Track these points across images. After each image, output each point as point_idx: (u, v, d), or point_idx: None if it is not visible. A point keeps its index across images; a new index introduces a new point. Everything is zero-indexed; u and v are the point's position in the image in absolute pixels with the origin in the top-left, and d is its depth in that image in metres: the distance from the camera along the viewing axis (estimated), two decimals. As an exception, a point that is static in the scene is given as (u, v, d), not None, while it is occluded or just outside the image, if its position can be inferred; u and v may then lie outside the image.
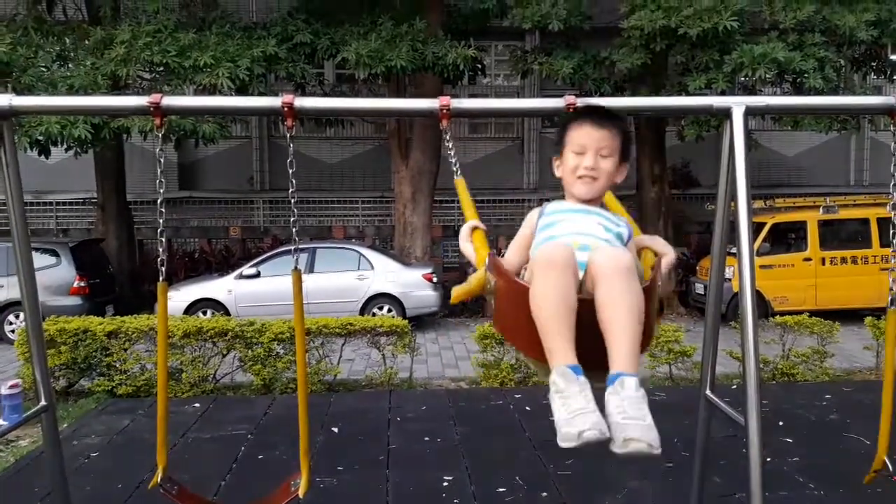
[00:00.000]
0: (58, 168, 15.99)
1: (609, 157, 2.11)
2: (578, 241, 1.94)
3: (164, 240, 2.75)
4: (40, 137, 9.55)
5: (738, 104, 2.83)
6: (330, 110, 2.71)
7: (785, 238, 12.86)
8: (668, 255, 2.19)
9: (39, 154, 10.67)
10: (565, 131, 2.15)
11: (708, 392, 3.17)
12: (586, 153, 2.08)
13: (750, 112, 2.83)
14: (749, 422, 2.63)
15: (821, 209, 12.39)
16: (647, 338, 1.86)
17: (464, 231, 2.23)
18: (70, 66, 10.48)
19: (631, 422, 1.68)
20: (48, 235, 15.93)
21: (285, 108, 2.59)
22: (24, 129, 9.43)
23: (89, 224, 16.18)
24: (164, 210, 2.78)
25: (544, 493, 4.59)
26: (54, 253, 11.54)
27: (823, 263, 12.30)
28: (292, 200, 2.72)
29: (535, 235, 2.11)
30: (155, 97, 2.61)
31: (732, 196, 2.81)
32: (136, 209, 15.80)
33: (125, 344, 7.26)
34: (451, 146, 2.60)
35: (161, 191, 2.72)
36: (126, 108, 2.72)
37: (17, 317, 10.95)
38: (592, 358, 1.75)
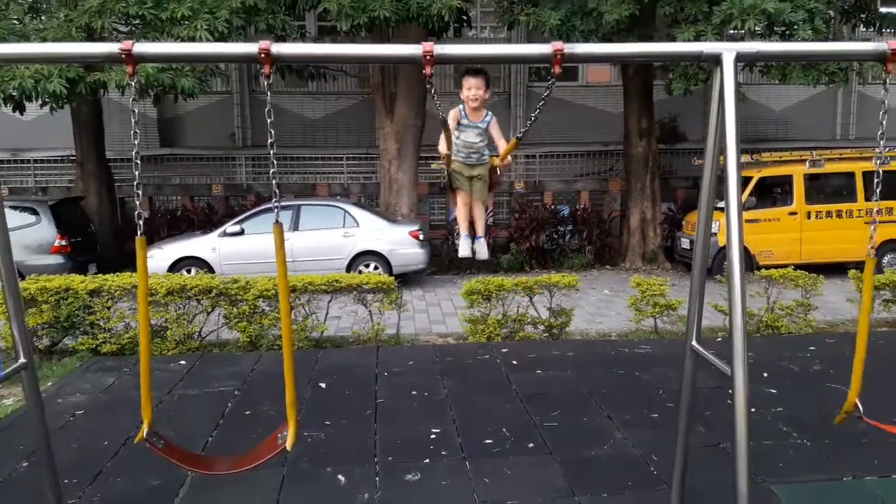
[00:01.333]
0: (35, 125, 15.64)
1: (481, 89, 3.65)
2: (463, 152, 3.80)
3: (140, 192, 2.66)
4: (13, 92, 9.28)
5: (728, 50, 2.76)
6: (309, 57, 2.60)
7: (771, 192, 12.87)
8: (500, 162, 3.75)
9: (14, 110, 10.41)
10: (462, 79, 3.71)
11: (694, 343, 3.16)
12: (472, 89, 3.64)
13: (741, 58, 2.75)
14: (735, 372, 2.63)
15: (807, 163, 12.38)
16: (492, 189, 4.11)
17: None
18: (43, 18, 10.13)
19: (482, 253, 4.04)
20: (27, 194, 15.65)
21: (262, 55, 2.48)
22: (-3, 84, 9.17)
23: (69, 182, 15.88)
24: (139, 162, 2.69)
25: (531, 444, 4.63)
26: (33, 211, 11.32)
27: (809, 217, 12.36)
28: (271, 152, 2.63)
29: (456, 130, 3.68)
30: (126, 44, 2.49)
31: (721, 146, 2.76)
32: (116, 167, 15.51)
33: (108, 302, 7.19)
34: (435, 98, 2.54)
35: (136, 142, 2.63)
36: (97, 55, 2.60)
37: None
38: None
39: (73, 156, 14.65)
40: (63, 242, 11.23)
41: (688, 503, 3.69)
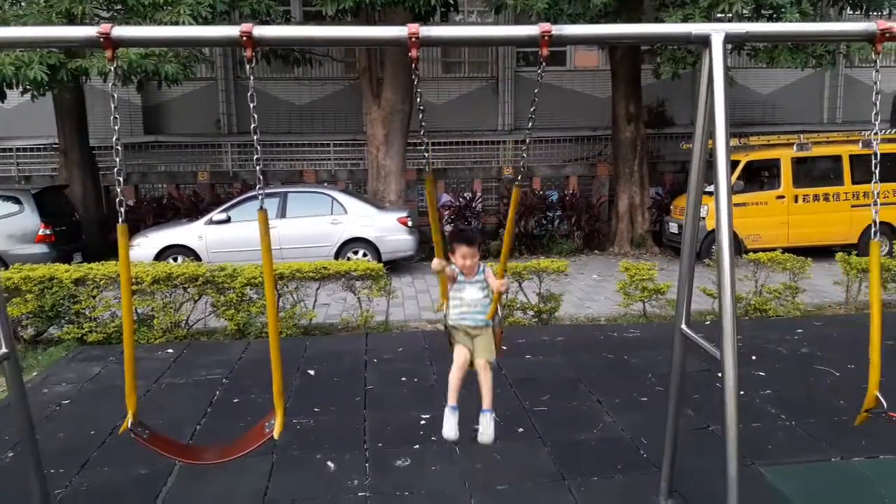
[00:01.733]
0: (18, 112, 15.40)
1: (476, 256, 3.39)
2: (467, 312, 3.41)
3: (121, 180, 2.61)
4: (-7, 79, 9.14)
5: (717, 31, 2.73)
6: (292, 39, 2.55)
7: (759, 176, 12.88)
8: (500, 286, 3.34)
9: (-6, 97, 10.25)
10: (453, 244, 3.41)
11: (683, 326, 3.16)
12: (467, 258, 3.36)
13: (729, 39, 2.73)
14: (725, 354, 2.63)
15: (794, 147, 12.40)
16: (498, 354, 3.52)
17: (434, 266, 3.30)
18: (23, 3, 9.95)
19: (486, 435, 3.39)
20: (10, 182, 15.44)
21: (244, 38, 2.43)
22: (-24, 71, 9.01)
23: (52, 170, 15.69)
24: (120, 149, 2.63)
25: (520, 429, 4.63)
26: (16, 200, 11.17)
27: (796, 201, 12.39)
28: (255, 137, 2.59)
29: (454, 283, 3.41)
30: (105, 27, 2.43)
31: (710, 130, 2.74)
32: (100, 154, 15.32)
33: (93, 291, 7.11)
34: (416, 83, 2.50)
35: (116, 128, 2.57)
36: (75, 38, 2.54)
37: (-17, 266, 10.66)
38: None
39: (56, 144, 14.45)
40: (47, 231, 11.08)
41: (677, 486, 3.71)
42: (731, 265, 2.59)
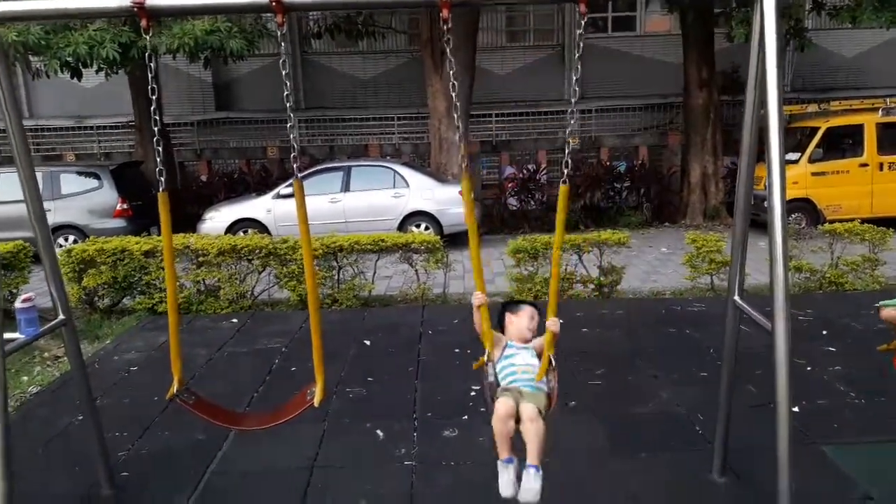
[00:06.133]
0: (98, 91, 16.08)
1: (535, 318, 2.99)
2: (518, 372, 2.84)
3: (160, 149, 2.65)
4: (69, 59, 9.49)
5: (770, -18, 2.54)
6: (323, 4, 2.52)
7: (840, 143, 12.19)
8: (552, 325, 2.83)
9: (71, 76, 10.66)
10: (516, 307, 3.06)
11: (736, 298, 3.00)
12: (534, 318, 2.98)
13: (785, -10, 2.53)
14: (776, 327, 2.48)
15: (879, 111, 11.67)
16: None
17: (474, 302, 2.90)
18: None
19: (531, 493, 2.58)
20: (92, 159, 16.17)
21: (273, 3, 2.41)
22: (53, 51, 9.38)
23: (130, 147, 16.33)
24: (160, 118, 2.68)
25: (573, 403, 4.55)
26: (95, 176, 11.68)
27: (881, 169, 11.68)
28: (288, 105, 2.58)
29: (503, 349, 2.92)
30: (139, -4, 2.46)
31: (762, 92, 2.56)
32: (173, 131, 15.84)
33: (161, 262, 7.36)
34: (448, 39, 2.41)
35: (153, 97, 2.61)
36: (109, 9, 2.57)
37: (66, 239, 11.21)
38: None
39: (132, 121, 15.01)
40: (124, 206, 11.55)
41: (732, 463, 3.58)
42: (784, 234, 2.43)
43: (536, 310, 3.01)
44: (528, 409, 2.65)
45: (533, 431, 2.62)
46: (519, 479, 2.61)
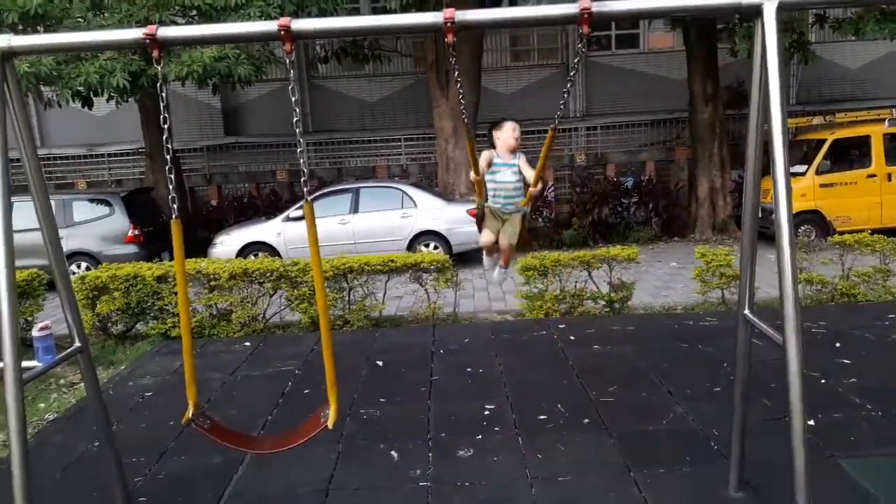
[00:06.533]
0: (108, 120, 16.30)
1: (518, 135, 3.86)
2: (499, 195, 3.93)
3: (172, 177, 2.70)
4: (80, 88, 9.64)
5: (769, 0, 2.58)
6: (330, 31, 2.57)
7: (847, 155, 12.19)
8: (533, 191, 3.72)
9: (83, 105, 10.82)
10: (502, 124, 3.97)
11: (747, 312, 3.01)
12: (517, 130, 3.87)
13: (783, 7, 2.57)
14: (787, 340, 2.49)
15: (886, 122, 11.67)
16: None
17: (472, 177, 3.68)
18: (105, 14, 10.46)
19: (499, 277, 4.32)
20: (103, 186, 16.35)
21: (282, 32, 2.47)
22: (65, 81, 9.53)
23: (140, 174, 16.51)
24: (171, 146, 2.73)
25: (586, 420, 4.54)
26: (107, 203, 11.80)
27: (890, 180, 11.66)
28: (297, 131, 2.63)
29: (489, 167, 3.84)
30: (150, 29, 2.52)
31: (765, 108, 2.59)
32: (183, 157, 16.00)
33: (174, 287, 7.42)
34: (454, 65, 2.47)
35: (165, 126, 2.66)
36: (123, 41, 2.64)
37: (78, 266, 11.32)
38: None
39: (142, 148, 15.19)
40: (136, 232, 11.66)
41: (749, 478, 3.56)
42: (792, 247, 2.45)
43: (517, 123, 3.92)
44: (503, 241, 3.90)
45: (506, 253, 3.99)
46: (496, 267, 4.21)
